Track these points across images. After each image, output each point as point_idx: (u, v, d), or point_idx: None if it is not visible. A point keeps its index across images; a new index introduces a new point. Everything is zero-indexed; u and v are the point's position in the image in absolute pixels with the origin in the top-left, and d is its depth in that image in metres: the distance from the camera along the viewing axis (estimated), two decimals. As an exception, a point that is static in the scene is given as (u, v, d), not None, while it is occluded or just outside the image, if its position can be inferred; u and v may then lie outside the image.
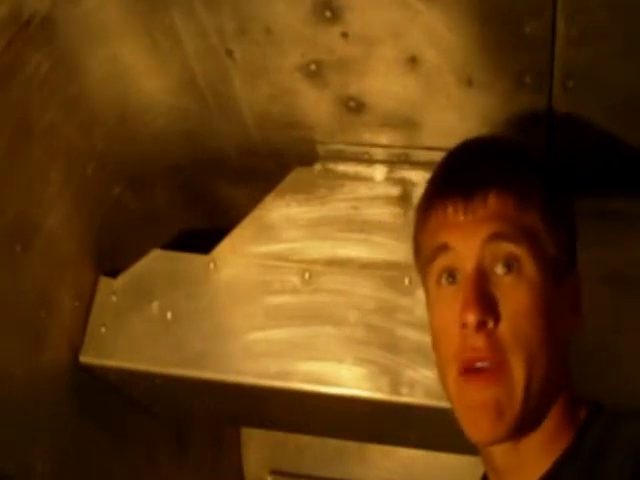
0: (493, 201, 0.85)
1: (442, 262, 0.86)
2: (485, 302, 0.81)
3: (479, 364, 0.81)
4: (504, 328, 0.81)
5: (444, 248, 0.86)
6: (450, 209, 0.86)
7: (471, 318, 0.80)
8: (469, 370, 0.82)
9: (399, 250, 1.24)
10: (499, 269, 0.83)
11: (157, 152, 1.35)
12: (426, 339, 1.17)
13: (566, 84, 1.07)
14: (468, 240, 0.84)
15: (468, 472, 1.71)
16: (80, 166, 1.27)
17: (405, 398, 1.18)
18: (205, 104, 1.25)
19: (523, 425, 0.82)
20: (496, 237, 0.83)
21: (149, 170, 1.39)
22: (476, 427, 0.82)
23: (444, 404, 1.16)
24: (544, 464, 0.84)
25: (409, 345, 1.19)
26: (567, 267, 0.88)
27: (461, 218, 0.85)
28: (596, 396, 0.90)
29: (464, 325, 0.81)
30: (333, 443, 1.81)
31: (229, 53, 1.17)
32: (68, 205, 1.25)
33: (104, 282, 1.33)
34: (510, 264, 0.83)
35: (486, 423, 0.80)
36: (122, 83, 1.24)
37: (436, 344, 0.88)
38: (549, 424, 0.85)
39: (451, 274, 0.86)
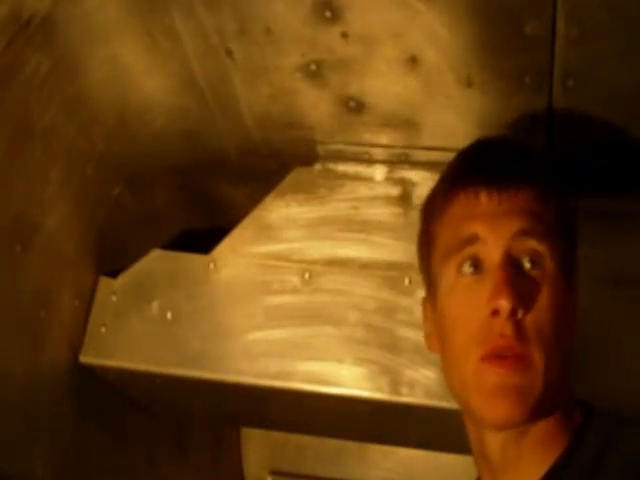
0: (525, 195, 0.87)
1: (468, 252, 0.86)
2: (517, 291, 0.82)
3: (504, 352, 0.82)
4: (530, 319, 0.83)
5: (474, 239, 0.86)
6: (483, 197, 0.87)
7: (505, 304, 0.81)
8: (493, 356, 0.82)
9: (399, 250, 1.24)
10: (526, 264, 0.85)
11: (157, 152, 1.35)
12: (426, 339, 1.18)
13: (566, 84, 1.08)
14: (498, 232, 0.85)
15: (468, 472, 1.71)
16: (80, 166, 1.27)
17: (405, 398, 1.18)
18: (205, 104, 1.25)
19: (537, 413, 0.83)
20: (525, 233, 0.85)
21: (149, 170, 1.39)
22: (495, 410, 0.82)
23: (444, 404, 1.16)
24: (540, 466, 0.84)
25: (409, 345, 1.19)
26: (574, 271, 0.90)
27: (493, 208, 0.86)
28: (595, 395, 0.90)
29: (496, 311, 0.82)
30: (333, 443, 1.81)
31: (229, 53, 1.17)
32: (68, 205, 1.25)
33: (104, 282, 1.33)
34: (535, 260, 0.85)
35: (505, 406, 0.81)
36: (122, 83, 1.24)
37: (451, 332, 0.88)
38: (549, 422, 0.86)
39: (475, 263, 0.86)
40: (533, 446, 0.86)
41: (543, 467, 0.84)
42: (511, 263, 0.84)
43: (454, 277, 0.87)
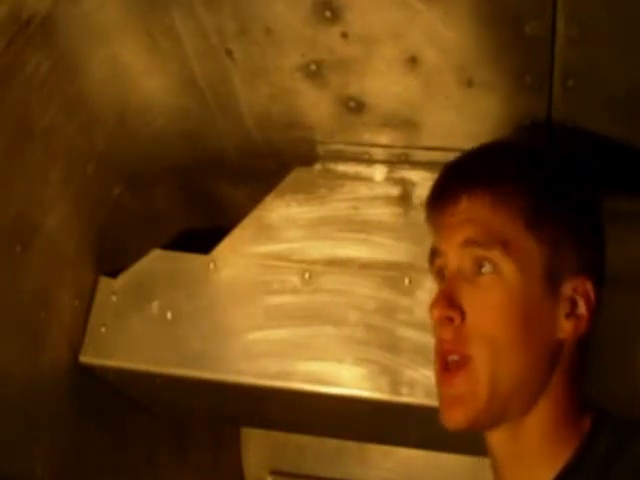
0: (466, 204, 0.90)
1: (436, 265, 0.94)
2: (449, 298, 0.88)
3: (450, 357, 0.88)
4: (469, 322, 0.87)
5: (435, 252, 0.94)
6: (436, 212, 0.95)
7: (435, 313, 0.88)
8: (444, 367, 0.89)
9: (399, 250, 1.24)
10: (472, 270, 0.89)
11: (157, 152, 1.35)
12: (426, 339, 1.18)
13: (566, 84, 1.07)
14: (449, 243, 0.91)
15: (468, 472, 1.71)
16: (80, 166, 1.27)
17: (405, 398, 1.18)
18: (205, 104, 1.25)
19: (492, 417, 0.87)
20: (469, 242, 0.89)
21: (149, 170, 1.39)
22: (445, 417, 0.88)
23: (444, 404, 1.16)
24: (547, 469, 0.85)
25: (409, 345, 1.19)
26: (565, 271, 0.89)
27: (444, 220, 0.93)
28: (598, 396, 0.90)
29: (434, 319, 0.89)
30: (333, 443, 1.81)
31: (229, 53, 1.17)
32: (68, 205, 1.25)
33: (104, 282, 1.33)
34: (482, 266, 0.88)
35: (450, 414, 0.88)
36: (122, 83, 1.24)
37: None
38: (547, 423, 0.87)
39: (440, 275, 0.93)
40: (535, 448, 0.86)
41: (549, 471, 0.85)
42: (457, 273, 0.89)
43: (436, 285, 0.95)
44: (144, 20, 1.15)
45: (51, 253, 1.22)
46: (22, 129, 1.13)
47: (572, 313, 0.88)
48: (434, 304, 0.89)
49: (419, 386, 1.18)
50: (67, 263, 1.27)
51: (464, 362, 0.86)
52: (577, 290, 0.89)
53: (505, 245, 0.87)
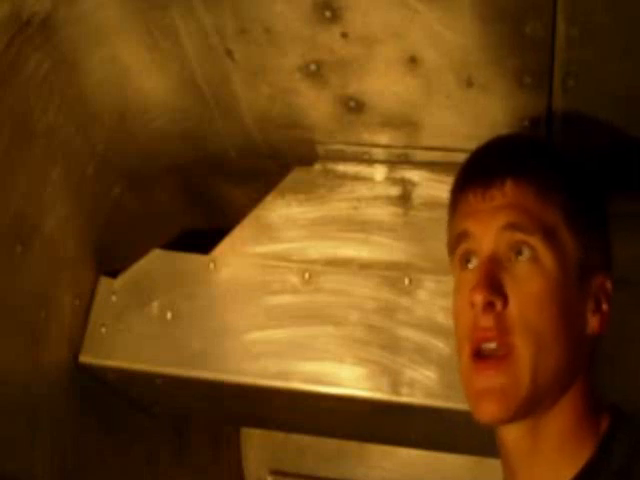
0: (510, 189, 0.88)
1: (462, 248, 0.90)
2: (493, 283, 0.84)
3: (487, 345, 0.84)
4: (512, 310, 0.84)
5: (464, 235, 0.90)
6: (470, 196, 0.90)
7: (478, 298, 0.84)
8: (478, 354, 0.85)
9: (399, 250, 1.24)
10: (512, 256, 0.86)
11: (157, 152, 1.35)
12: (426, 339, 1.18)
13: (566, 84, 1.07)
14: (485, 226, 0.88)
15: (468, 472, 1.71)
16: (80, 166, 1.27)
17: (405, 398, 1.18)
18: (205, 104, 1.25)
19: (530, 409, 0.84)
20: (511, 226, 0.86)
21: (149, 170, 1.39)
22: (480, 409, 0.84)
23: (444, 404, 1.16)
24: (564, 468, 0.84)
25: (409, 345, 1.19)
26: (592, 267, 0.89)
27: (480, 205, 0.89)
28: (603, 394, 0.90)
29: (473, 305, 0.85)
30: (333, 443, 1.81)
31: (229, 53, 1.17)
32: (68, 205, 1.25)
33: (104, 282, 1.33)
34: (522, 252, 0.86)
35: (489, 406, 0.83)
36: (122, 83, 1.24)
37: (455, 327, 0.91)
38: (566, 421, 0.86)
39: (468, 259, 0.89)
40: (552, 446, 0.86)
41: (567, 470, 0.84)
42: (494, 257, 0.86)
43: (459, 273, 0.91)
44: (144, 20, 1.15)
45: (51, 253, 1.22)
46: (22, 129, 1.13)
47: (598, 309, 0.89)
48: (477, 288, 0.84)
49: (419, 386, 1.18)
50: (67, 263, 1.27)
51: (506, 351, 0.83)
52: (601, 287, 0.90)
53: (546, 233, 0.86)
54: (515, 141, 0.99)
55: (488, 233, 0.87)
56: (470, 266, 0.89)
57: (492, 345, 0.84)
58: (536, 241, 0.85)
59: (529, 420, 0.85)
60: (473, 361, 0.85)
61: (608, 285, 0.91)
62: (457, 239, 0.91)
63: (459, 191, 0.94)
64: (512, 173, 0.89)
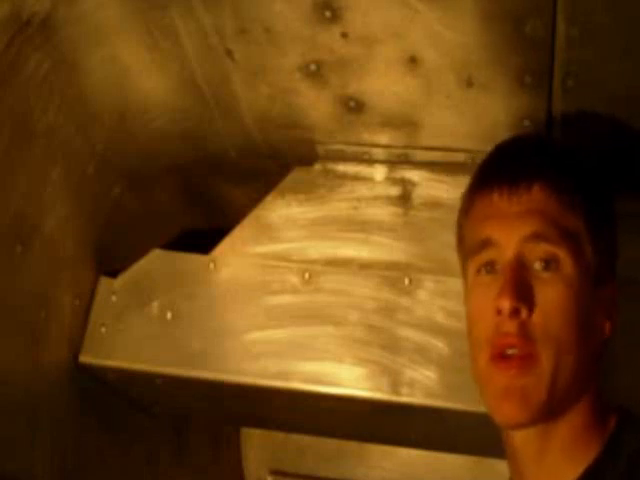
0: (537, 193, 0.87)
1: (485, 256, 0.89)
2: (520, 290, 0.84)
3: (509, 351, 0.84)
4: (537, 319, 0.84)
5: (487, 243, 0.88)
6: (495, 197, 0.89)
7: (506, 304, 0.83)
8: (499, 356, 0.84)
9: (399, 250, 1.24)
10: (537, 265, 0.86)
11: (157, 152, 1.35)
12: (426, 339, 1.18)
13: (566, 84, 1.07)
14: (510, 234, 0.87)
15: (468, 472, 1.71)
16: (80, 166, 1.27)
17: (405, 398, 1.18)
18: (205, 104, 1.25)
19: (547, 414, 0.84)
20: (536, 237, 0.86)
21: (149, 170, 1.39)
22: (501, 411, 0.84)
23: (444, 404, 1.16)
24: (570, 469, 0.84)
25: (409, 345, 1.19)
26: (605, 274, 0.90)
27: (505, 207, 0.88)
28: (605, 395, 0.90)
29: (499, 311, 0.84)
30: (333, 443, 1.81)
31: (229, 53, 1.17)
32: (68, 205, 1.25)
33: (104, 282, 1.33)
34: (548, 262, 0.85)
35: (511, 408, 0.83)
36: (122, 83, 1.24)
37: (470, 330, 0.90)
38: (575, 422, 0.86)
39: (491, 265, 0.88)
40: (560, 447, 0.86)
41: (573, 471, 0.84)
42: (519, 264, 0.85)
43: (474, 276, 0.90)
44: (144, 20, 1.15)
45: (51, 253, 1.22)
46: (22, 129, 1.13)
47: (609, 316, 0.90)
48: (504, 294, 0.83)
49: (419, 386, 1.18)
50: (67, 263, 1.27)
51: (527, 356, 0.83)
52: (611, 293, 0.91)
53: (570, 242, 0.86)
54: (537, 143, 0.97)
55: (513, 240, 0.86)
56: (487, 270, 0.88)
57: (515, 351, 0.83)
58: (560, 251, 0.85)
59: (541, 424, 0.85)
60: (493, 362, 0.84)
61: (615, 292, 0.91)
62: (480, 245, 0.89)
63: (479, 190, 0.92)
64: (540, 177, 0.88)
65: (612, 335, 0.90)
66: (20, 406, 1.16)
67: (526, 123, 1.14)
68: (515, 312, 0.83)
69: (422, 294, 1.20)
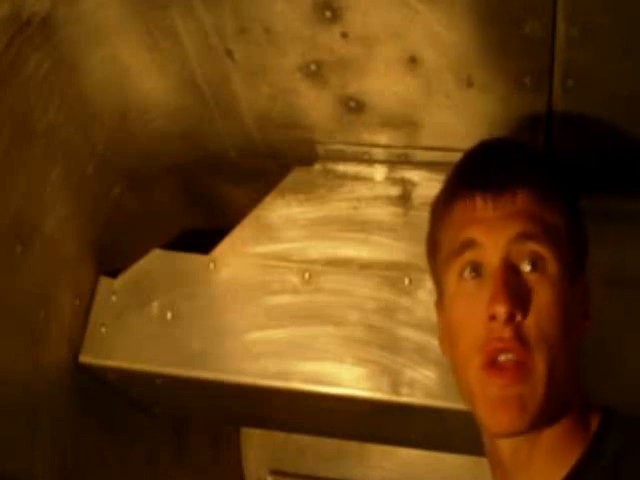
0: (522, 198, 0.86)
1: (468, 257, 0.86)
2: (515, 295, 0.82)
3: (503, 356, 0.82)
4: (530, 323, 0.82)
5: (471, 244, 0.86)
6: (479, 202, 0.87)
7: (501, 310, 0.81)
8: (492, 364, 0.82)
9: (399, 250, 1.24)
10: (525, 266, 0.84)
11: (157, 152, 1.35)
12: (426, 339, 1.18)
13: (566, 84, 1.07)
14: (495, 236, 0.85)
15: (468, 472, 1.71)
16: (80, 166, 1.27)
17: (405, 398, 1.18)
18: (205, 104, 1.25)
19: (543, 420, 0.83)
20: (523, 236, 0.85)
21: (149, 170, 1.39)
22: (497, 420, 0.82)
23: (444, 404, 1.16)
24: (555, 471, 0.84)
25: (409, 345, 1.19)
26: (577, 270, 0.89)
27: (489, 213, 0.86)
28: (595, 397, 0.90)
29: (492, 317, 0.82)
30: (333, 443, 1.81)
31: (229, 53, 1.17)
32: (68, 205, 1.25)
33: (104, 282, 1.33)
34: (535, 262, 0.84)
35: (507, 416, 0.81)
36: (122, 83, 1.24)
37: (455, 337, 0.88)
38: (562, 426, 0.85)
39: (475, 268, 0.86)
40: (547, 451, 0.85)
41: (559, 472, 0.83)
42: (509, 267, 0.84)
43: (456, 282, 0.88)
44: (144, 20, 1.15)
45: (51, 253, 1.22)
46: (22, 129, 1.13)
47: (585, 313, 0.90)
48: (498, 300, 0.81)
49: (419, 386, 1.18)
50: (67, 263, 1.27)
51: (521, 362, 0.81)
52: (585, 290, 0.90)
53: (552, 239, 0.85)
54: (513, 147, 0.96)
55: (499, 242, 0.85)
56: (471, 275, 0.86)
57: (510, 356, 0.82)
58: (546, 250, 0.84)
59: (533, 430, 0.84)
60: (486, 371, 0.82)
61: (587, 286, 0.91)
62: (463, 246, 0.87)
63: (458, 195, 0.90)
64: (524, 182, 0.87)
65: (589, 332, 0.90)
66: (20, 406, 1.16)
67: (526, 123, 1.14)
68: (510, 317, 0.81)
69: (422, 294, 1.20)
